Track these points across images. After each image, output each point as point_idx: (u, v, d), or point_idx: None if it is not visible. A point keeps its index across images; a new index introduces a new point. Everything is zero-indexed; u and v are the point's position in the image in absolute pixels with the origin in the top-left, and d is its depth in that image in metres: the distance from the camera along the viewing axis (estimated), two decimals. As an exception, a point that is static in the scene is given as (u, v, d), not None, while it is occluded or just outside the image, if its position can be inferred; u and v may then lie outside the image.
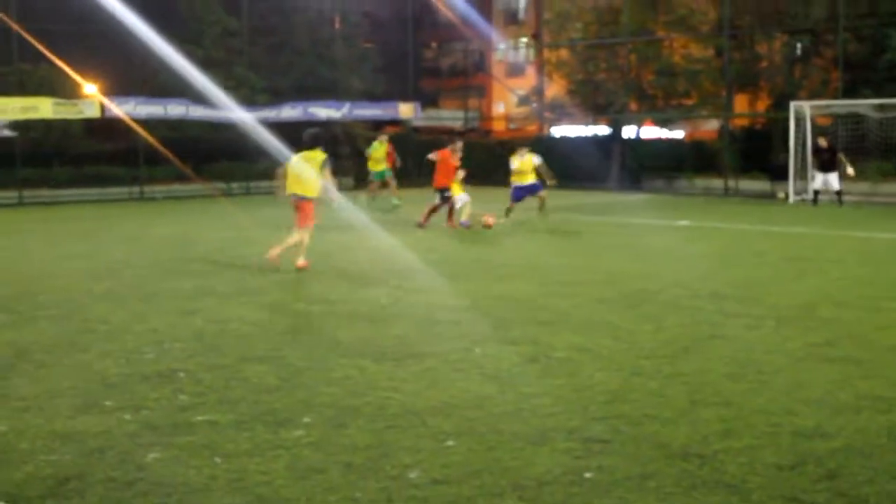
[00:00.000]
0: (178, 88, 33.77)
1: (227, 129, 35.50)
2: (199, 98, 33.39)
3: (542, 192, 22.63)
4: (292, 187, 14.39)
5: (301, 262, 14.20)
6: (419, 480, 5.48)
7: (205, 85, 32.16)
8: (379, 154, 28.29)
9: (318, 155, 14.40)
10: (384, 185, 28.47)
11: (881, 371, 7.97)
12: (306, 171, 14.28)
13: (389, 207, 25.80)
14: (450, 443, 6.13)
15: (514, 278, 13.50)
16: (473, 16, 46.83)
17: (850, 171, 27.88)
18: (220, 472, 5.65)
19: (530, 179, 22.64)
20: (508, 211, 22.60)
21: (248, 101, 34.38)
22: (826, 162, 28.02)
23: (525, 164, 22.73)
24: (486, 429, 6.42)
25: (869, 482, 5.46)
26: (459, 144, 21.86)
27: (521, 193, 22.65)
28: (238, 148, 35.09)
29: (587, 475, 5.55)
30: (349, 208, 20.63)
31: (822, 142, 28.51)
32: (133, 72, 33.74)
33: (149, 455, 5.93)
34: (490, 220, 20.80)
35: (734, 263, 15.15)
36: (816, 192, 28.43)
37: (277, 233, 19.17)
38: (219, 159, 35.81)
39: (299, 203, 14.40)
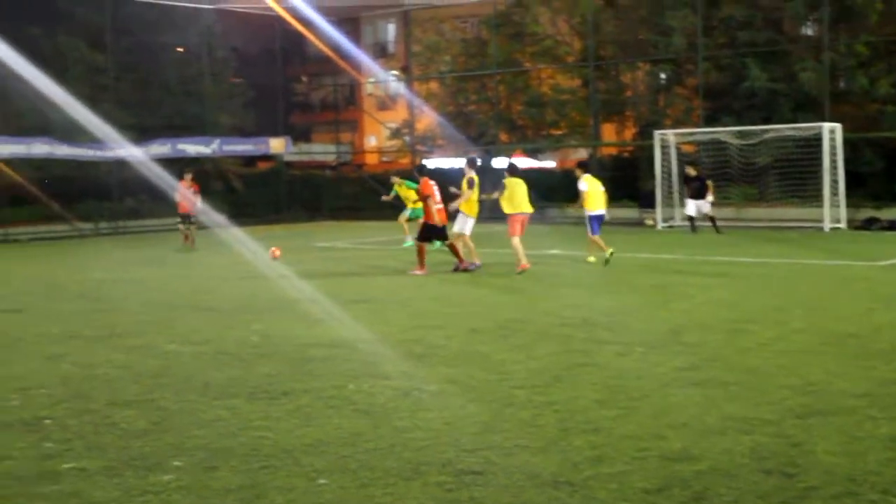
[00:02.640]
0: (42, 127, 33.14)
1: (94, 168, 34.97)
2: (64, 136, 32.79)
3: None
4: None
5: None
6: (291, 521, 5.44)
7: (72, 123, 31.66)
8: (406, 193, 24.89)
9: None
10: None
11: (744, 393, 8.18)
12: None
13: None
14: (322, 481, 6.10)
15: (385, 312, 13.52)
16: (343, 49, 46.89)
17: (710, 197, 28.54)
18: (88, 521, 5.53)
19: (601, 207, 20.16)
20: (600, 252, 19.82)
21: (115, 139, 33.82)
22: (696, 190, 28.59)
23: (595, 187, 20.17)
24: (359, 465, 6.41)
25: (734, 502, 5.59)
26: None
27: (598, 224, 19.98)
28: (106, 186, 34.54)
29: (460, 508, 5.58)
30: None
31: (691, 171, 29.09)
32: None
33: (12, 507, 5.78)
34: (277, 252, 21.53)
35: (604, 291, 15.41)
36: (692, 219, 28.93)
37: (146, 271, 18.96)
38: (85, 198, 35.12)
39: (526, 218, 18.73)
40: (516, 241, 18.15)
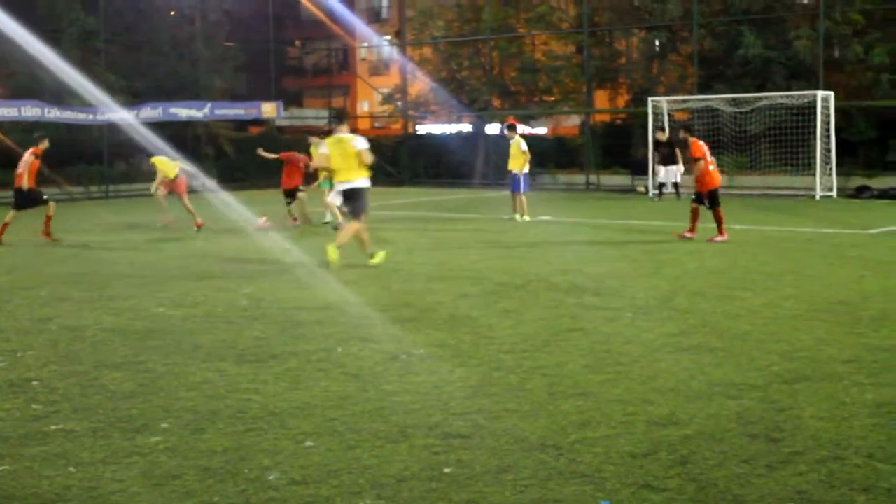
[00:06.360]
0: (33, 89, 32.96)
1: (85, 131, 34.81)
2: (55, 99, 32.61)
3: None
4: None
5: None
6: (278, 482, 5.44)
7: (63, 86, 31.49)
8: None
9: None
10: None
11: (732, 358, 8.20)
12: None
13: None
14: (309, 443, 6.11)
15: (375, 277, 13.51)
16: (337, 13, 46.65)
17: (680, 166, 28.45)
18: (74, 481, 5.52)
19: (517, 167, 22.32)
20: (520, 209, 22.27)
21: (106, 102, 33.65)
22: (666, 156, 28.60)
23: (513, 147, 22.41)
24: (346, 428, 6.41)
25: (719, 466, 5.61)
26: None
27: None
28: (96, 150, 34.38)
29: (446, 470, 5.58)
30: None
31: (661, 136, 29.15)
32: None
33: (-1, 467, 5.78)
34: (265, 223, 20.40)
35: (594, 257, 15.41)
36: (661, 186, 29.07)
37: (136, 235, 18.92)
38: (76, 162, 34.94)
39: None
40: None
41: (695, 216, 17.56)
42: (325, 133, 20.79)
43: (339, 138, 14.53)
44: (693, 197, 17.80)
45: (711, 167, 17.51)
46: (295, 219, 21.46)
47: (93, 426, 6.55)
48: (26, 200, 18.94)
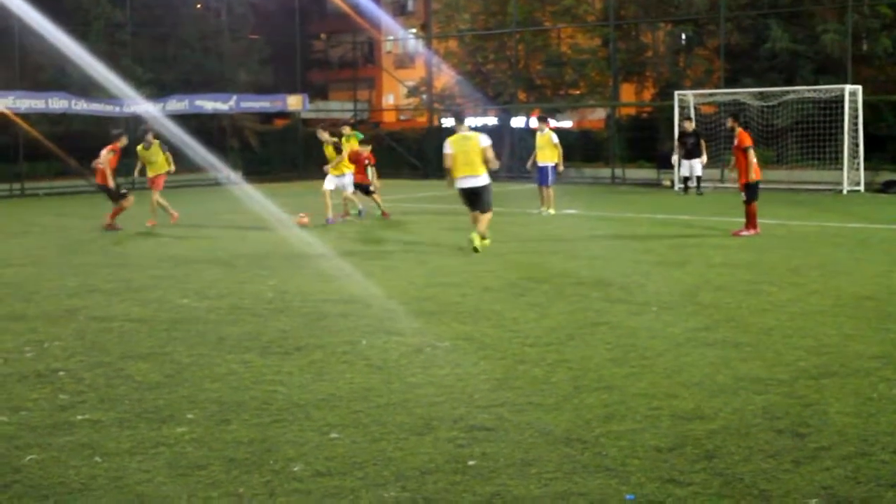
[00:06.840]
0: (61, 82, 33.11)
1: (111, 123, 34.93)
2: (82, 91, 32.74)
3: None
4: None
5: None
6: (302, 473, 5.46)
7: (89, 78, 31.62)
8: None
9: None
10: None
11: (758, 353, 8.16)
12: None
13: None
14: (334, 435, 6.12)
15: (399, 269, 13.52)
16: (362, 6, 46.66)
17: (704, 158, 28.30)
18: (100, 471, 5.55)
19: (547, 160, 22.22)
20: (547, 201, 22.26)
21: (132, 95, 33.79)
22: (691, 147, 28.30)
23: (543, 139, 22.28)
24: (371, 420, 6.42)
25: (745, 461, 5.58)
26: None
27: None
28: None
29: (470, 463, 5.59)
30: None
31: (688, 126, 28.79)
32: (13, 65, 32.84)
33: (26, 457, 5.80)
34: (304, 219, 19.61)
35: (619, 251, 15.37)
36: (686, 180, 28.80)
37: (161, 226, 19.00)
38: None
39: None
40: None
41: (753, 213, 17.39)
42: (352, 126, 20.96)
43: (465, 136, 15.48)
44: (744, 199, 17.49)
45: (755, 160, 17.38)
46: (347, 213, 21.25)
47: (119, 417, 6.59)
48: (111, 194, 19.64)
